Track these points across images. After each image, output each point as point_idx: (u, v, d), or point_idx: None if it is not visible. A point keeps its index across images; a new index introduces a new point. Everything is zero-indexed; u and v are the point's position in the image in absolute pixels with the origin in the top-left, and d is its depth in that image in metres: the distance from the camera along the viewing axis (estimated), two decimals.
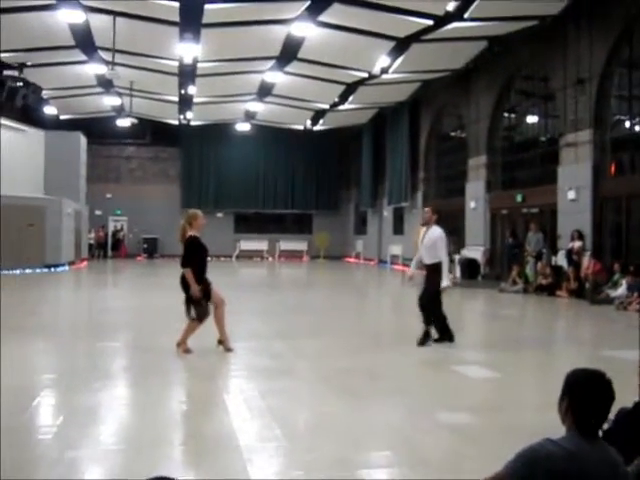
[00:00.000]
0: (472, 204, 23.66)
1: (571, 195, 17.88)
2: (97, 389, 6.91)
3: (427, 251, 9.84)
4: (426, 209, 10.34)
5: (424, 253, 9.91)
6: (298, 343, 9.89)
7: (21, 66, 23.20)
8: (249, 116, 34.61)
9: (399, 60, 21.84)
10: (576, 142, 17.87)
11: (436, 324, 9.85)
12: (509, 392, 7.25)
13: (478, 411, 6.26)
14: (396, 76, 24.00)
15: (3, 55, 22.64)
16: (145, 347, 9.39)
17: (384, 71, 22.96)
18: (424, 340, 9.69)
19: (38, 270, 24.55)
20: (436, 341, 9.81)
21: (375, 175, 34.33)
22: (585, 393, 2.41)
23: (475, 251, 22.94)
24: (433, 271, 9.73)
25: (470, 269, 22.24)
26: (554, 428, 2.46)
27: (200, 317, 8.76)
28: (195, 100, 29.75)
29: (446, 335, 9.86)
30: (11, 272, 22.99)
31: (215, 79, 25.86)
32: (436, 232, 9.82)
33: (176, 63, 23.31)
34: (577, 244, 17.21)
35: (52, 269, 25.13)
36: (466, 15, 17.39)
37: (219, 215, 37.67)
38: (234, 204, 38.58)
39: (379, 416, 6.07)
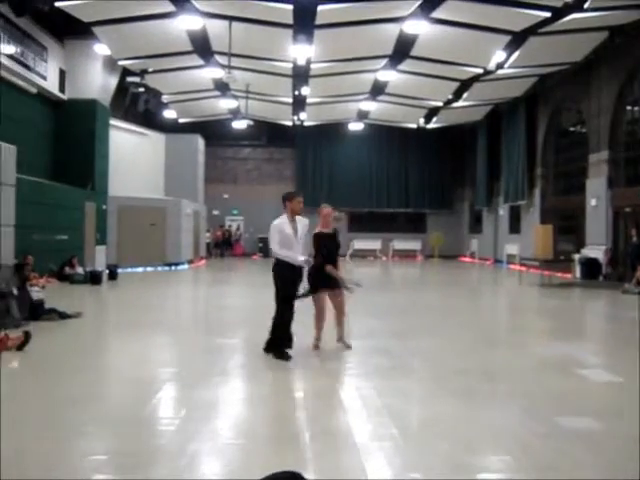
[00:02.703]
0: (593, 202, 22.80)
1: None
2: (216, 384, 7.10)
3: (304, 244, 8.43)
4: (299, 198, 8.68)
5: (302, 248, 8.41)
6: (413, 342, 9.81)
7: (142, 72, 24.18)
8: (362, 115, 34.66)
9: (515, 54, 21.32)
10: None
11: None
12: (634, 398, 6.92)
13: (601, 417, 6.01)
14: (512, 71, 23.44)
15: (126, 62, 23.67)
16: (262, 343, 9.55)
17: (500, 66, 22.46)
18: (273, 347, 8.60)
19: (159, 268, 25.49)
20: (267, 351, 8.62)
21: (490, 173, 33.65)
22: None
23: (596, 250, 22.12)
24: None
25: (591, 269, 21.55)
26: None
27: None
28: (308, 101, 30.09)
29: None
30: (134, 270, 23.99)
31: (328, 79, 26.04)
32: (303, 221, 8.54)
33: (290, 65, 23.64)
34: None
35: (172, 267, 26.03)
36: (586, 5, 16.76)
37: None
38: (347, 203, 38.58)
39: (497, 419, 5.93)
